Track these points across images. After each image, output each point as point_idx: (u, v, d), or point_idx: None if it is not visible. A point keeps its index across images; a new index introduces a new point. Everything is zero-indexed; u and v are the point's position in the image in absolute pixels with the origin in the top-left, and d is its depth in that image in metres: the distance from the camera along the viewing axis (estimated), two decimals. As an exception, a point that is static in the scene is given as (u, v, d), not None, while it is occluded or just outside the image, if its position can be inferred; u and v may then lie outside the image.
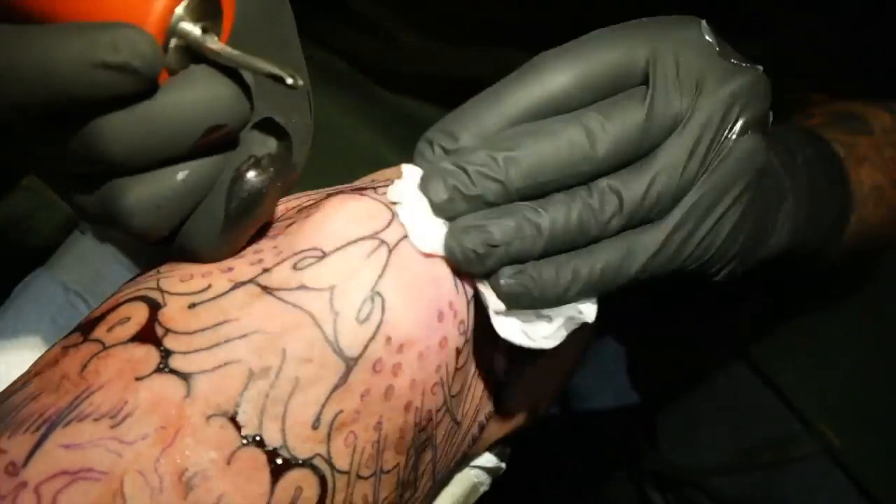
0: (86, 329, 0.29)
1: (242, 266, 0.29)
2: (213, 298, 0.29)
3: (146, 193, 0.27)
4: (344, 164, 0.54)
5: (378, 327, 0.29)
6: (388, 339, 0.29)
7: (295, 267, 0.29)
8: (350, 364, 0.28)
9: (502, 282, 0.30)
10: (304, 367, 0.28)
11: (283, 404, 0.28)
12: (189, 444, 0.26)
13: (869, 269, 0.63)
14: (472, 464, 0.43)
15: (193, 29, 0.26)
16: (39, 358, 0.30)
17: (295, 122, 0.30)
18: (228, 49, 0.26)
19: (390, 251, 0.30)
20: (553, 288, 0.30)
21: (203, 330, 0.28)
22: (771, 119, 0.35)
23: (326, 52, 0.62)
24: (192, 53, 0.26)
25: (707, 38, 0.33)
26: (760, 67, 0.34)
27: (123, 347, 0.28)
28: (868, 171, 0.51)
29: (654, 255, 0.32)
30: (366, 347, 0.29)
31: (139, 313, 0.29)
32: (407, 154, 0.58)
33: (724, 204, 0.33)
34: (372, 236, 0.30)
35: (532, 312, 0.31)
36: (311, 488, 0.28)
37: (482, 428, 0.38)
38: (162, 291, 0.29)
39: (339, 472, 0.29)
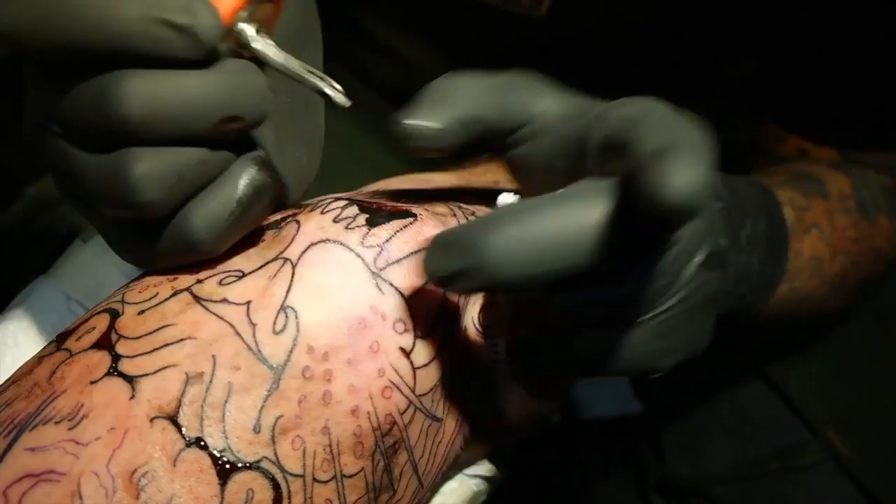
0: (60, 339, 0.31)
1: (185, 276, 0.31)
2: (158, 304, 0.30)
3: (157, 166, 0.26)
4: (348, 171, 0.56)
5: (296, 338, 0.30)
6: (311, 349, 0.30)
7: (220, 283, 0.31)
8: (278, 371, 0.30)
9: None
10: (234, 374, 0.29)
11: (221, 409, 0.29)
12: (136, 445, 0.28)
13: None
14: (472, 473, 0.43)
15: (249, 28, 0.27)
16: (21, 366, 0.32)
17: (301, 160, 0.32)
18: (280, 53, 0.27)
19: (294, 267, 0.31)
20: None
21: (147, 335, 0.30)
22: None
23: (329, 64, 0.63)
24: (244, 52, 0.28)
25: None
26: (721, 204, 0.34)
27: (84, 354, 0.30)
28: (812, 241, 0.51)
29: (632, 352, 0.31)
30: (289, 356, 0.30)
31: (102, 323, 0.30)
32: (407, 163, 0.58)
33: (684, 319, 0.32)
34: (276, 257, 0.31)
35: None
36: (263, 491, 0.29)
37: (475, 428, 0.38)
38: (123, 302, 0.31)
39: (292, 475, 0.29)
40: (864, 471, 0.61)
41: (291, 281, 0.31)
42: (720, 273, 0.33)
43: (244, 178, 0.29)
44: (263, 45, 0.28)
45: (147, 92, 0.26)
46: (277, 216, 0.35)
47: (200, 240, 0.29)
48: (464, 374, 0.36)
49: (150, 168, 0.26)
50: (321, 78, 0.28)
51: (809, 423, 0.63)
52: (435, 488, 0.41)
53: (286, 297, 0.30)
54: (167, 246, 0.29)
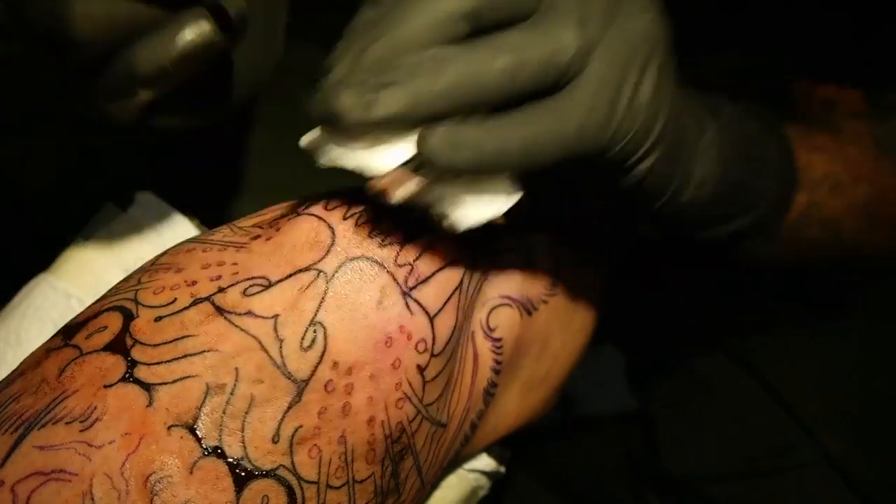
0: (68, 333, 0.31)
1: (204, 281, 0.31)
2: (176, 313, 0.30)
3: (96, 5, 0.27)
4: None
5: (323, 354, 0.30)
6: (335, 364, 0.30)
7: (244, 293, 0.31)
8: (301, 386, 0.30)
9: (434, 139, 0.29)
10: (256, 386, 0.29)
11: (241, 419, 0.29)
12: (153, 451, 0.27)
13: (870, 276, 0.63)
14: (471, 468, 0.43)
15: None
16: (27, 357, 0.32)
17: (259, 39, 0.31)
18: None
19: (328, 282, 0.31)
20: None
21: (165, 343, 0.29)
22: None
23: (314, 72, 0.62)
24: None
25: None
26: None
27: (97, 355, 0.29)
28: (822, 159, 0.48)
29: (586, 116, 0.30)
30: (314, 371, 0.30)
31: (114, 323, 0.30)
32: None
33: (635, 64, 0.32)
34: (310, 267, 0.31)
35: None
36: (278, 497, 0.29)
37: (475, 427, 0.39)
38: (137, 303, 0.31)
39: (307, 482, 0.30)
40: (856, 471, 0.62)
41: (325, 297, 0.31)
42: (651, 14, 0.32)
43: (191, 29, 0.28)
44: None
45: None
46: (284, 206, 0.35)
47: (142, 77, 0.28)
48: (466, 377, 0.37)
49: (88, 7, 0.26)
50: None
51: (802, 423, 0.63)
52: (436, 482, 0.41)
53: (317, 312, 0.30)
54: (109, 83, 0.29)
